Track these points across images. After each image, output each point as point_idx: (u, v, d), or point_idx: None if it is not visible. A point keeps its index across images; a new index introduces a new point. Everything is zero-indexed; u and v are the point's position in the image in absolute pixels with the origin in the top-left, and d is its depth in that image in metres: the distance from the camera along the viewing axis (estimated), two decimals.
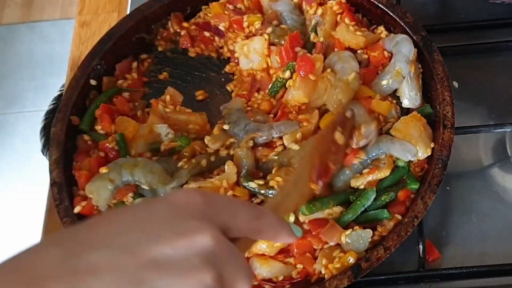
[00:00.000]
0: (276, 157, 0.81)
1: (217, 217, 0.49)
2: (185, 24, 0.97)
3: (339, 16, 0.91)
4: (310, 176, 0.69)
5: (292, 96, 0.83)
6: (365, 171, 0.79)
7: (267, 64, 0.90)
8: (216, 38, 0.96)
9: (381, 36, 0.90)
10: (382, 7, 0.91)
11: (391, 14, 0.90)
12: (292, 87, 0.83)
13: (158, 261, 0.45)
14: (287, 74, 0.85)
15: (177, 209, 0.48)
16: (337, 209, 0.77)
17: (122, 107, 0.89)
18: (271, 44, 0.90)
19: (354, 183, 0.79)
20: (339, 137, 0.74)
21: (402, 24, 0.88)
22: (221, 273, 0.46)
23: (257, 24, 0.92)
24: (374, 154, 0.80)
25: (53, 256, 0.44)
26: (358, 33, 0.87)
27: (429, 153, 0.80)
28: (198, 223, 0.47)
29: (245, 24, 0.92)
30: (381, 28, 0.91)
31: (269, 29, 0.90)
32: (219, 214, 0.50)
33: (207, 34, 0.96)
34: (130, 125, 0.84)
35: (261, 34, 0.91)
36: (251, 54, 0.91)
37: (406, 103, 0.85)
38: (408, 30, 0.88)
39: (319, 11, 0.92)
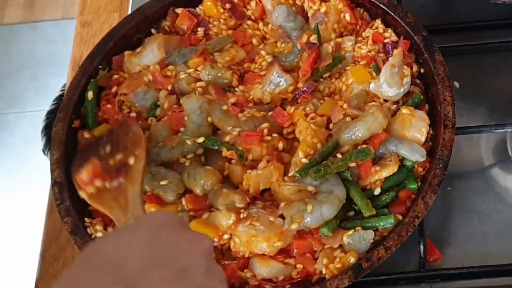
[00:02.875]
0: None
1: None
2: (177, 21, 0.96)
3: (342, 15, 0.91)
4: None
5: None
6: (373, 169, 0.79)
7: None
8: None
9: (378, 30, 0.90)
10: (383, 7, 0.91)
11: (392, 14, 0.90)
12: None
13: None
14: None
15: None
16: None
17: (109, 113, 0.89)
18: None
19: (363, 183, 0.80)
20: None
21: (403, 24, 0.89)
22: None
23: (268, 59, 0.91)
24: (381, 152, 0.80)
25: None
26: None
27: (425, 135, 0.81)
28: None
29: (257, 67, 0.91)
30: (378, 21, 0.92)
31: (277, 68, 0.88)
32: None
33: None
34: None
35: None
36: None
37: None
38: (409, 30, 0.88)
39: (323, 8, 0.92)
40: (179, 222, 0.58)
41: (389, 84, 0.84)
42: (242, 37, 0.94)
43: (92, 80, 0.90)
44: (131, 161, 0.77)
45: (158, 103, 0.88)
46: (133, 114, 0.88)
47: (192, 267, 0.52)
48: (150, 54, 0.91)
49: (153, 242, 0.52)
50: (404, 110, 0.82)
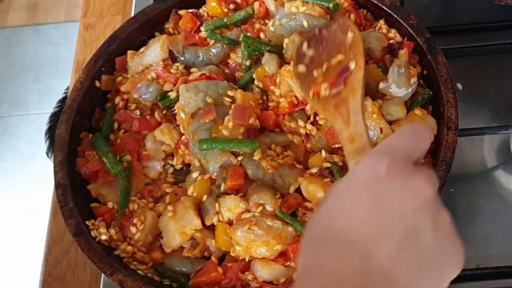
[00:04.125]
0: None
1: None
2: (180, 23, 0.96)
3: (347, 15, 0.91)
4: None
5: None
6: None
7: None
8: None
9: (382, 31, 0.90)
10: (386, 8, 0.91)
11: (395, 16, 0.90)
12: None
13: None
14: None
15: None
16: None
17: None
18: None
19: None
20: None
21: (406, 26, 0.88)
22: None
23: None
24: None
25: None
26: None
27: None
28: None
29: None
30: (381, 22, 0.91)
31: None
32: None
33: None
34: None
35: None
36: None
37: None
38: (411, 32, 0.88)
39: None
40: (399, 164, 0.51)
41: (398, 84, 0.84)
42: (251, 30, 0.93)
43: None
44: (352, 65, 0.69)
45: (168, 94, 0.88)
46: (137, 112, 0.89)
47: (419, 226, 0.48)
48: (153, 53, 0.91)
49: (377, 205, 0.49)
50: (417, 111, 0.82)
